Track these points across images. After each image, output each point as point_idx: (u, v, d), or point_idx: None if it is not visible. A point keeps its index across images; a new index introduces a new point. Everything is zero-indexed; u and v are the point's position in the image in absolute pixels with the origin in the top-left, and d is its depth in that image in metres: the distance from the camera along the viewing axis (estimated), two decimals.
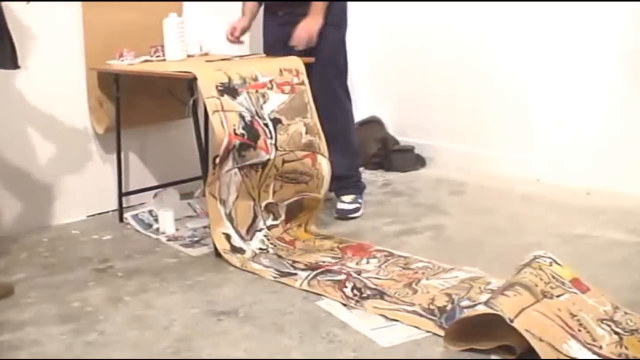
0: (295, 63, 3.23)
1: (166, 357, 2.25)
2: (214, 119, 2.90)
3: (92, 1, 3.42)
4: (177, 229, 3.36)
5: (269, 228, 3.13)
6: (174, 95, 3.20)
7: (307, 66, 3.29)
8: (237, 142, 2.93)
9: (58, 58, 3.42)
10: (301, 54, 3.32)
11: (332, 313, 2.48)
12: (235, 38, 3.55)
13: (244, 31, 3.56)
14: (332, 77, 3.48)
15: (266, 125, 3.04)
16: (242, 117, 2.97)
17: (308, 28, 3.34)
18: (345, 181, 3.56)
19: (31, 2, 3.03)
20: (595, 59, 3.67)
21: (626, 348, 2.09)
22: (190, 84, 3.01)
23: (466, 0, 4.09)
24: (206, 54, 3.60)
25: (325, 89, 3.44)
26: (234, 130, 2.92)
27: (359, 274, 2.77)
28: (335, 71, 3.49)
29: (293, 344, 2.28)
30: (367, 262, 2.90)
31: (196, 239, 3.26)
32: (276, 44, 3.46)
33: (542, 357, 1.98)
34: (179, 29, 3.43)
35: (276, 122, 3.08)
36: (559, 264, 2.30)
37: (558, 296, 2.18)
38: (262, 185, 3.08)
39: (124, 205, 3.60)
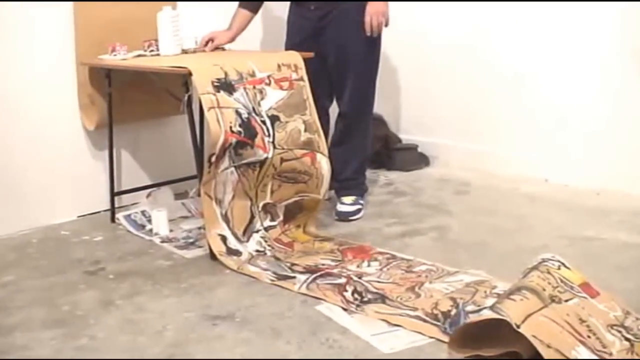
0: (294, 58, 3.22)
1: None
2: (209, 116, 2.90)
3: None
4: (171, 230, 3.35)
5: (267, 229, 3.12)
6: (168, 91, 3.20)
7: (342, 62, 3.28)
8: (233, 140, 2.92)
9: (48, 52, 3.41)
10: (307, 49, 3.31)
11: (332, 318, 2.47)
12: (209, 50, 3.50)
13: (219, 45, 3.52)
14: (368, 76, 3.49)
15: (264, 122, 3.04)
16: (239, 114, 2.96)
17: (377, 12, 3.33)
18: (349, 182, 3.56)
19: None
20: (606, 57, 3.67)
21: (637, 355, 2.09)
22: (185, 79, 3.01)
23: None
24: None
25: (359, 88, 3.45)
26: (231, 127, 2.92)
27: (359, 278, 2.76)
28: (370, 70, 3.50)
29: (291, 350, 2.28)
30: (369, 265, 2.89)
31: (191, 240, 3.26)
32: (307, 40, 3.42)
33: None
34: (173, 22, 3.42)
35: (274, 119, 3.07)
36: (567, 267, 2.30)
37: (566, 301, 2.18)
38: (260, 184, 3.08)
39: (116, 205, 3.59)
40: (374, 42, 3.44)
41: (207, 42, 3.51)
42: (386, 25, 3.40)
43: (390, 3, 3.41)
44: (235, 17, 3.53)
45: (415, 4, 4.32)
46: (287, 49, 3.50)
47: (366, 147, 3.64)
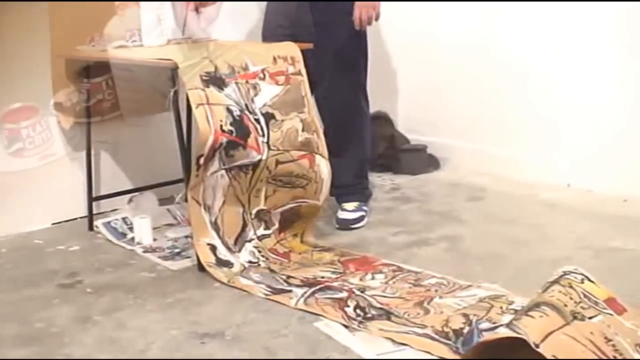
0: (291, 50, 3.23)
1: None
2: (198, 114, 2.91)
3: None
4: (155, 239, 3.36)
5: (260, 238, 3.13)
6: (153, 86, 3.20)
7: (320, 62, 3.28)
8: (224, 139, 2.93)
9: (20, 43, 3.42)
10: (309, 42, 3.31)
11: (332, 336, 2.48)
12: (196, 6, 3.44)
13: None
14: (349, 75, 3.48)
15: (257, 120, 3.04)
16: (230, 111, 2.97)
17: (368, 4, 3.34)
18: (350, 187, 3.56)
19: None
20: (632, 55, 3.67)
21: None
22: (171, 73, 3.01)
23: None
24: (189, 39, 3.60)
25: (340, 89, 3.44)
26: (221, 126, 2.92)
27: (362, 292, 2.77)
28: (352, 68, 3.49)
29: None
30: (372, 278, 2.90)
31: (177, 250, 3.27)
32: (279, 27, 3.46)
33: None
34: (158, 10, 3.43)
35: (269, 117, 3.08)
36: (591, 281, 2.30)
37: (590, 318, 2.18)
38: (253, 189, 3.08)
39: (95, 211, 3.60)
40: (357, 34, 3.45)
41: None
42: (377, 19, 3.42)
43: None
44: None
45: (426, 3, 4.33)
46: (264, 32, 3.54)
47: (365, 152, 3.63)
